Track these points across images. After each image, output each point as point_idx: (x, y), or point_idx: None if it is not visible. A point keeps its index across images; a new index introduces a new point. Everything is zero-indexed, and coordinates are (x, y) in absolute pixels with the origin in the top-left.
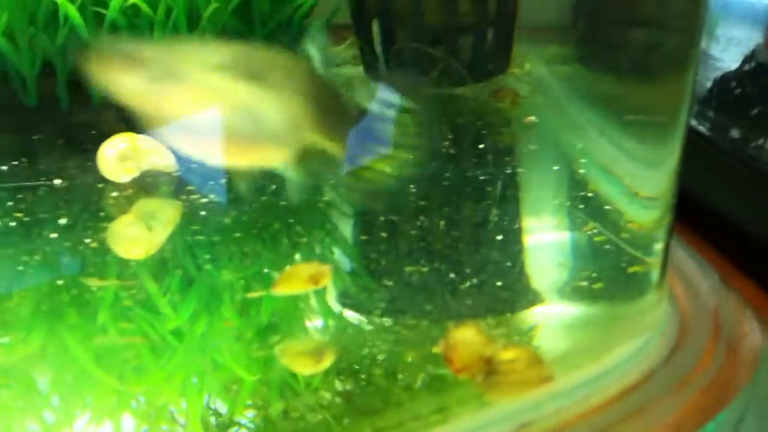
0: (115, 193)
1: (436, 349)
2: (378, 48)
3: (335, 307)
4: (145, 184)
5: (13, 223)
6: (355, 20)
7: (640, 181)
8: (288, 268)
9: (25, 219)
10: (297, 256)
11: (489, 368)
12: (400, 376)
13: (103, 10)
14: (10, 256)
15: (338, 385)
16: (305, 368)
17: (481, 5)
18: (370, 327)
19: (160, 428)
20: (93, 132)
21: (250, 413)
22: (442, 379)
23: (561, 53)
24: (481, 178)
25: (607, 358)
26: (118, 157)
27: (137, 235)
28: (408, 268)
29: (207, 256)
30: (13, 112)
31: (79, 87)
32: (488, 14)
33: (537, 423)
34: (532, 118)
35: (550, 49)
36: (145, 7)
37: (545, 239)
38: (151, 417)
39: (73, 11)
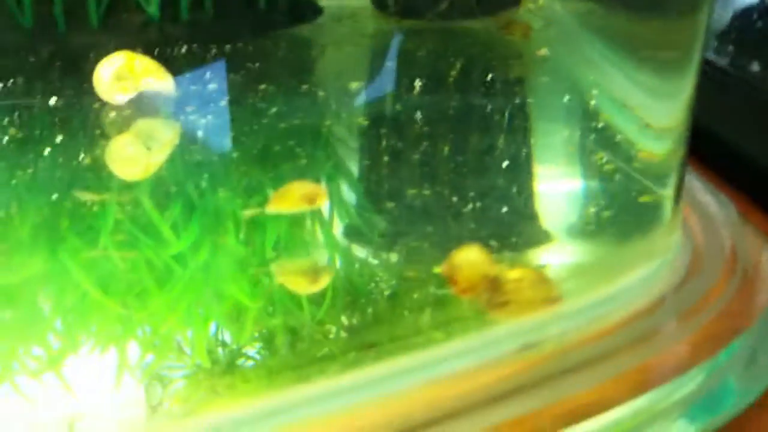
0: (112, 114)
1: (437, 269)
2: None
3: (336, 229)
4: (143, 105)
5: (5, 138)
6: None
7: (653, 113)
8: (282, 187)
9: (19, 136)
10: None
11: (494, 288)
12: (401, 296)
13: None
14: (2, 170)
15: (338, 305)
16: (301, 287)
17: None
18: (370, 249)
19: (166, 356)
20: (91, 54)
21: (255, 342)
22: (444, 299)
23: None
24: (489, 107)
25: (615, 283)
26: (114, 76)
27: (135, 154)
28: (410, 191)
29: (206, 180)
30: (8, 32)
31: (76, 8)
32: None
33: (542, 344)
34: (545, 51)
35: None
36: None
37: (554, 168)
38: (155, 345)
39: None
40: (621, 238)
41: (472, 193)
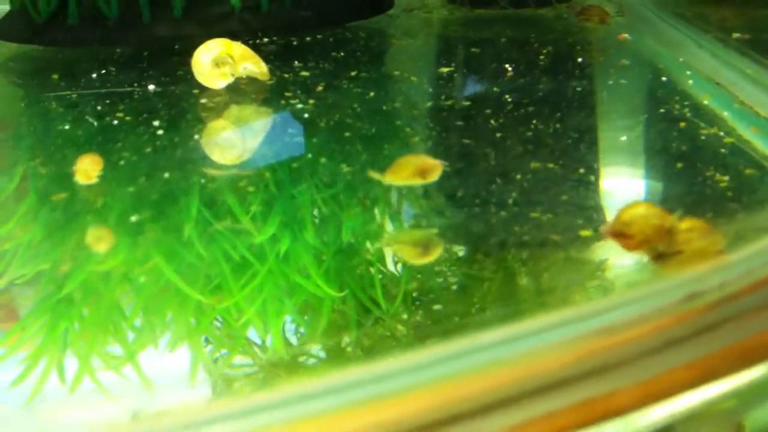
0: (210, 99)
1: (584, 232)
2: None
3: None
4: (239, 91)
5: (116, 122)
6: None
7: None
8: (398, 159)
9: (127, 118)
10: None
11: (668, 239)
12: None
13: None
14: (113, 151)
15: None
16: (413, 257)
17: None
18: (496, 219)
19: (237, 350)
20: (175, 45)
21: (328, 340)
22: (596, 254)
23: None
24: (578, 89)
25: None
26: (212, 62)
27: (230, 139)
28: (533, 165)
29: (295, 168)
30: (94, 23)
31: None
32: None
33: (706, 294)
34: (626, 35)
35: None
36: None
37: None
38: (229, 339)
39: None
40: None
41: (595, 165)
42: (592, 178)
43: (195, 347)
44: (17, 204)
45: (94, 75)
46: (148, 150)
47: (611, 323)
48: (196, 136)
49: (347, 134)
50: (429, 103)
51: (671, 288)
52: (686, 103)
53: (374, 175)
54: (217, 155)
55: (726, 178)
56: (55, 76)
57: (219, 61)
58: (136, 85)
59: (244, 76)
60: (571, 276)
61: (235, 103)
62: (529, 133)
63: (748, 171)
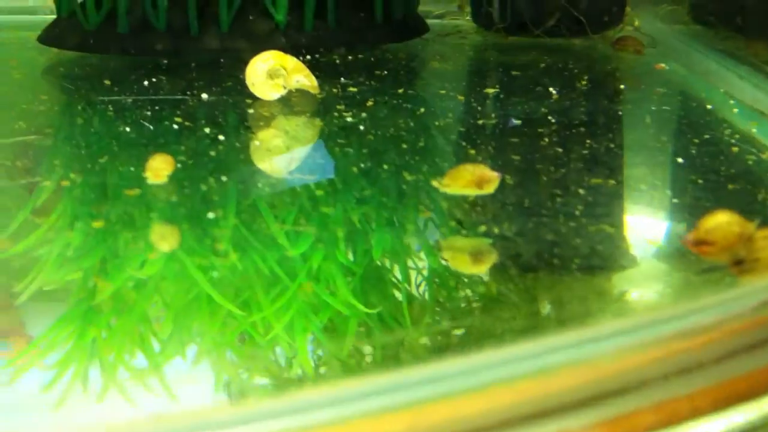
0: (263, 109)
1: (652, 241)
2: None
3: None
4: (290, 103)
5: (175, 126)
6: None
7: None
8: (456, 167)
9: (187, 123)
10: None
11: (748, 247)
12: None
13: None
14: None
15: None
16: (464, 266)
17: None
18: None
19: (262, 368)
20: (221, 59)
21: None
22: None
23: (673, 11)
24: (622, 113)
25: None
26: (267, 74)
27: (281, 150)
28: (593, 181)
29: (338, 180)
30: (143, 34)
31: (207, 13)
32: None
33: None
34: (663, 65)
35: (662, 7)
36: None
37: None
38: (255, 356)
39: None
40: None
41: (653, 182)
42: (653, 193)
43: (220, 361)
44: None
45: (146, 83)
46: (199, 157)
47: (690, 327)
48: (247, 146)
49: (403, 146)
50: (480, 120)
51: (748, 294)
52: (733, 130)
53: (435, 183)
54: (266, 165)
55: None
56: (108, 82)
57: (273, 73)
58: (188, 93)
59: (295, 89)
60: (644, 283)
61: (287, 114)
62: (585, 151)
63: None
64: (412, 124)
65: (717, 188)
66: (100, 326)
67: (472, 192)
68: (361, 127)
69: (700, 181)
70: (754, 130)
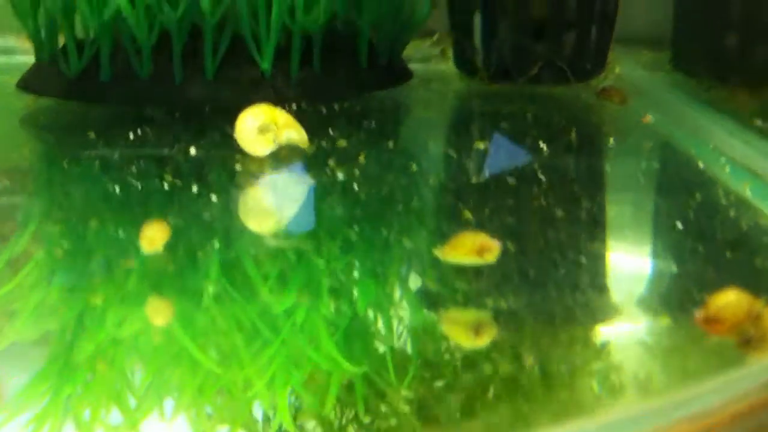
0: (252, 165)
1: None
2: (477, 42)
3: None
4: (279, 158)
5: (166, 186)
6: (452, 14)
7: None
8: (456, 235)
9: (176, 181)
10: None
11: (756, 324)
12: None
13: None
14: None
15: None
16: (464, 340)
17: (589, 2)
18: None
19: (240, 425)
20: (206, 108)
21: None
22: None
23: (654, 58)
24: (612, 170)
25: None
26: (257, 130)
27: (266, 208)
28: (595, 246)
29: (326, 237)
30: (127, 82)
31: (191, 60)
32: (594, 11)
33: None
34: (650, 117)
35: (643, 55)
36: None
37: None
38: (234, 411)
39: None
40: None
41: (653, 249)
42: (655, 262)
43: (198, 418)
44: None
45: (131, 135)
46: (187, 215)
47: (699, 410)
48: (233, 203)
49: (399, 207)
50: (473, 178)
51: (757, 372)
52: (725, 190)
53: (436, 252)
54: (254, 223)
55: None
56: (92, 134)
57: (263, 129)
58: (176, 147)
59: (284, 144)
60: (648, 363)
61: (276, 170)
62: (581, 213)
63: None
64: (404, 181)
65: (717, 256)
66: (76, 382)
67: (472, 261)
68: (355, 186)
69: (699, 249)
70: (747, 192)
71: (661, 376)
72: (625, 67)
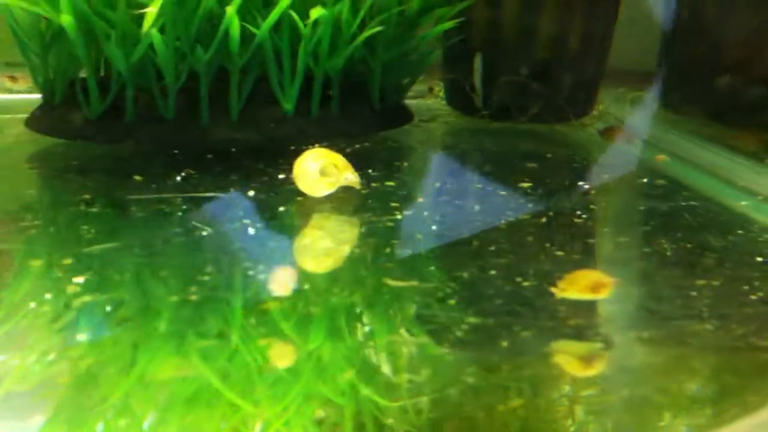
0: (313, 207)
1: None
2: (477, 81)
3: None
4: (336, 200)
5: (205, 233)
6: (448, 55)
7: None
8: (572, 273)
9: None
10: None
11: None
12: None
13: (254, 29)
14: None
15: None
16: (575, 369)
17: (586, 44)
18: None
19: None
20: (232, 149)
21: None
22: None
23: (641, 97)
24: (636, 208)
25: None
26: (319, 171)
27: (321, 249)
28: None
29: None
30: (152, 123)
31: (216, 102)
32: (591, 53)
33: None
34: (664, 156)
35: (630, 93)
36: (301, 26)
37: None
38: None
39: (236, 25)
40: None
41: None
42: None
43: None
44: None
45: (178, 178)
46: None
47: None
48: (292, 244)
49: (492, 247)
50: (527, 216)
51: None
52: (761, 229)
53: (553, 289)
54: (305, 263)
55: None
56: (138, 178)
57: (324, 171)
58: (233, 190)
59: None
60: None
61: (336, 212)
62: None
63: None
64: (478, 222)
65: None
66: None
67: (588, 297)
68: (434, 227)
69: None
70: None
71: None
72: (611, 106)
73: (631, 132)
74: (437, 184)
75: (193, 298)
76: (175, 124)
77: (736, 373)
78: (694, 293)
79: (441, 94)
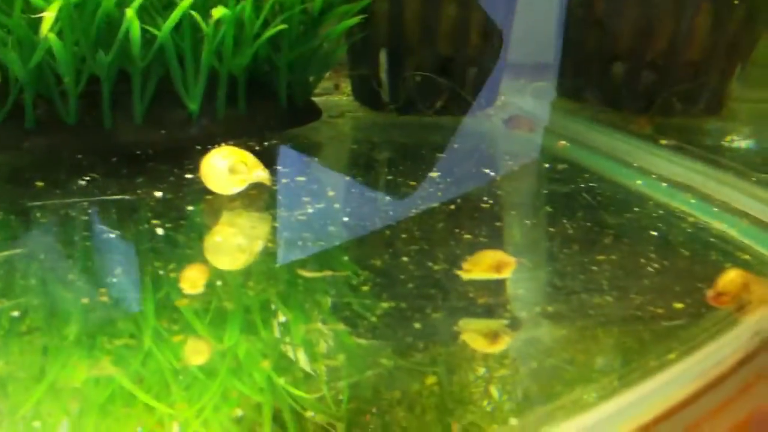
0: (221, 205)
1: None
2: (384, 77)
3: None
4: (246, 197)
5: (113, 235)
6: (354, 51)
7: None
8: (475, 255)
9: (142, 227)
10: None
11: (746, 292)
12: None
13: (154, 30)
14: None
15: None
16: (481, 346)
17: (487, 38)
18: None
19: None
20: (137, 152)
21: None
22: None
23: (540, 87)
24: (544, 191)
25: None
26: (228, 169)
27: (240, 245)
28: (596, 258)
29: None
30: (53, 129)
31: (119, 105)
32: (492, 47)
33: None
34: (564, 142)
35: (530, 84)
36: (203, 26)
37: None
38: None
39: (136, 27)
40: None
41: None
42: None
43: None
44: None
45: (83, 182)
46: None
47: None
48: (203, 243)
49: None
50: (453, 205)
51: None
52: (656, 206)
53: (457, 271)
54: (216, 262)
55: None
56: (40, 184)
57: (234, 169)
58: (140, 192)
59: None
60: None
61: (259, 210)
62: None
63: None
64: (391, 212)
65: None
66: None
67: (492, 276)
68: (346, 219)
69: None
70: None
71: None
72: (512, 97)
73: (532, 121)
74: (347, 178)
75: (104, 299)
76: (77, 128)
77: (637, 340)
78: (595, 268)
79: (348, 90)
